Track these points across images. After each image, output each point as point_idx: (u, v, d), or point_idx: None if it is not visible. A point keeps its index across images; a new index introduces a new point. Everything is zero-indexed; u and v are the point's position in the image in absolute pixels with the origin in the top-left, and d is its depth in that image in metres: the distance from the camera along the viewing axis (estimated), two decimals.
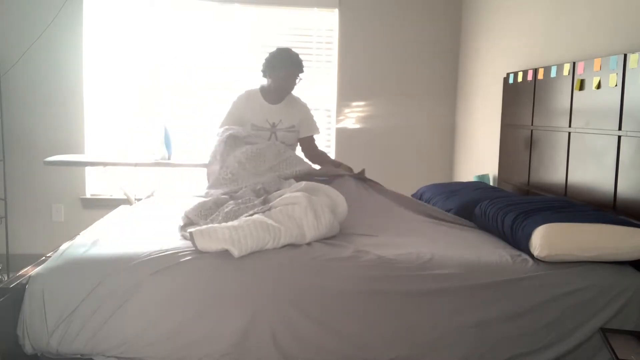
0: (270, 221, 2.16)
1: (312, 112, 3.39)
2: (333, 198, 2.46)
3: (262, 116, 3.17)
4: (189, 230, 2.14)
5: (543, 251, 2.08)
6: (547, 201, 2.51)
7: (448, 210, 2.82)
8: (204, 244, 2.03)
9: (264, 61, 3.20)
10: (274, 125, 3.17)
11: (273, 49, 3.23)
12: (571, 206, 2.42)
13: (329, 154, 4.60)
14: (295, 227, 2.20)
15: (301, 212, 2.24)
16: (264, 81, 3.24)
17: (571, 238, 2.09)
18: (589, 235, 2.10)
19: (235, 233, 2.05)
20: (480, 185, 3.22)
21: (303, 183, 2.51)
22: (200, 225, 2.32)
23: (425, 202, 3.18)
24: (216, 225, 2.15)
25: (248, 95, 3.24)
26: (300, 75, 3.18)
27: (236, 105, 3.23)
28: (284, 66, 3.13)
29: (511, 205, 2.42)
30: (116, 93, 4.44)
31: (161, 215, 2.69)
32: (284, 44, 4.48)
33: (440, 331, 1.99)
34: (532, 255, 2.14)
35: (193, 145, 4.48)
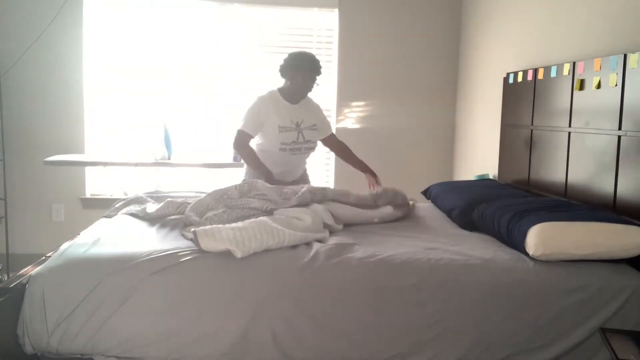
0: (274, 224, 2.16)
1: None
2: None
3: (287, 117, 3.16)
4: (192, 229, 2.14)
5: (538, 250, 2.08)
6: (542, 201, 2.53)
7: (453, 209, 2.82)
8: (208, 244, 2.04)
9: (282, 62, 3.18)
10: (298, 125, 3.18)
11: (292, 51, 3.22)
12: (566, 206, 2.43)
13: (329, 155, 4.63)
14: (299, 229, 2.22)
15: (304, 216, 2.30)
16: (278, 83, 3.24)
17: (565, 236, 2.09)
18: (583, 233, 2.10)
19: (239, 234, 2.06)
20: (490, 183, 3.24)
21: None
22: (197, 223, 2.33)
23: (433, 199, 3.21)
24: (220, 225, 2.16)
25: (271, 97, 3.19)
26: (318, 77, 3.19)
27: (258, 107, 3.15)
28: (304, 68, 3.13)
29: (506, 207, 2.43)
30: (116, 93, 4.44)
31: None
32: (284, 44, 4.52)
33: (439, 329, 1.99)
34: (529, 255, 2.14)
35: (193, 145, 4.48)
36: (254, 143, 3.21)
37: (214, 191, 2.63)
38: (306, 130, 3.20)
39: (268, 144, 3.15)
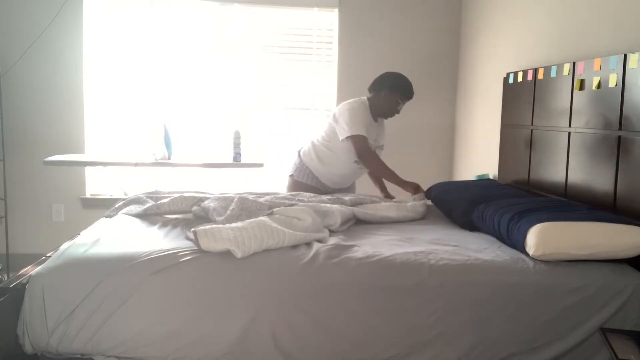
0: (274, 224, 2.17)
1: None
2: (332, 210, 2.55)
3: (372, 133, 3.16)
4: (192, 229, 2.14)
5: (538, 250, 2.08)
6: (542, 201, 2.52)
7: (453, 209, 2.82)
8: (208, 244, 2.03)
9: (379, 78, 3.20)
10: (375, 143, 3.19)
11: (390, 70, 3.26)
12: (566, 205, 2.43)
13: None
14: (299, 229, 2.22)
15: (304, 215, 2.31)
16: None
17: (566, 236, 2.09)
18: (583, 233, 2.10)
19: (239, 234, 2.06)
20: (490, 183, 3.24)
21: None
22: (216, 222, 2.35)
23: (433, 199, 3.22)
24: (220, 225, 2.16)
25: (365, 108, 3.17)
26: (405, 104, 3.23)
27: (362, 112, 3.13)
28: (400, 91, 3.15)
29: (507, 207, 2.42)
30: (116, 93, 4.44)
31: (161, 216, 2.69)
32: (284, 44, 4.52)
33: (439, 329, 1.99)
34: (529, 255, 2.14)
35: (193, 145, 4.48)
36: (322, 138, 3.18)
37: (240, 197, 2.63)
38: (377, 149, 3.22)
39: (345, 151, 3.13)
